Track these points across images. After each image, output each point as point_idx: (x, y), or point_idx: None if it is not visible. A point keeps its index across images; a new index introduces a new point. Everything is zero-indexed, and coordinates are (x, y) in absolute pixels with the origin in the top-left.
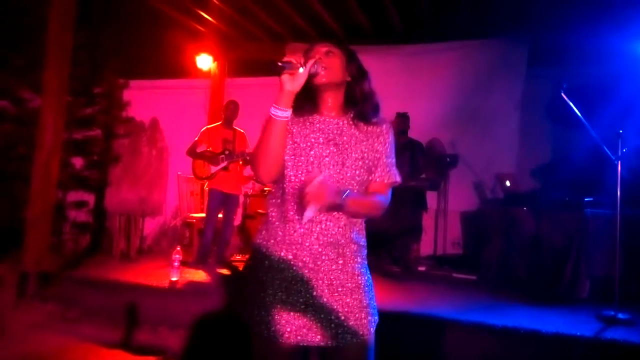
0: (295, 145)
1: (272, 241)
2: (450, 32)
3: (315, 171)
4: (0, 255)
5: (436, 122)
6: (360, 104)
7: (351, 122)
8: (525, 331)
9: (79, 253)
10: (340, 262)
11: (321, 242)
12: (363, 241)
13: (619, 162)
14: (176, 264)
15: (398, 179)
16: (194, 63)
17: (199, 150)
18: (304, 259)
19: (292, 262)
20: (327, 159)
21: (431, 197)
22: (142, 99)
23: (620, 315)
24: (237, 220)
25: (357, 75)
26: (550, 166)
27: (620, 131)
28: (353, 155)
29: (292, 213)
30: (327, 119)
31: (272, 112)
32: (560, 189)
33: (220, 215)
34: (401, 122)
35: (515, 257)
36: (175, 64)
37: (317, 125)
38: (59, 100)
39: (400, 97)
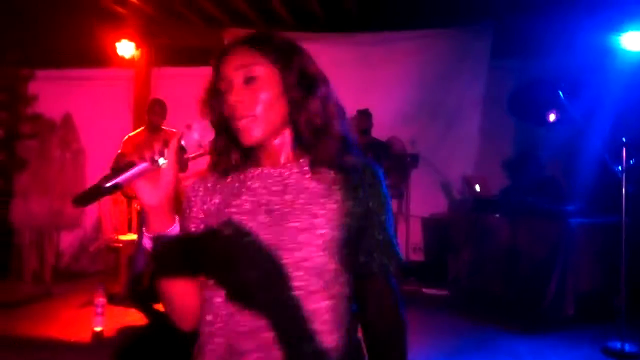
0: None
1: None
2: (410, 21)
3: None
4: None
5: (394, 119)
6: (314, 144)
7: (306, 170)
8: None
9: None
10: None
11: None
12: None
13: (624, 174)
14: (99, 309)
15: (401, 258)
16: (115, 50)
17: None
18: None
19: None
20: (248, 239)
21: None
22: (52, 92)
23: (627, 348)
24: None
25: (302, 95)
26: (517, 164)
27: (624, 139)
28: (292, 224)
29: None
30: (267, 171)
31: (144, 244)
32: (527, 192)
33: None
34: (363, 120)
35: (488, 270)
36: (91, 50)
37: (248, 182)
38: None
39: (355, 91)
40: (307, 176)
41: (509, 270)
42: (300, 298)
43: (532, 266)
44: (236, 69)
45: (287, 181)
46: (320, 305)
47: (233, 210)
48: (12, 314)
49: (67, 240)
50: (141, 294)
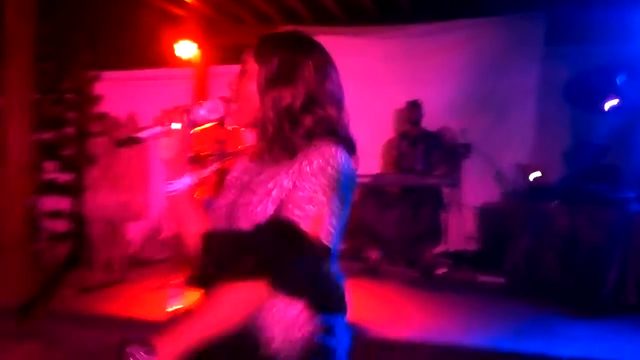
0: (211, 204)
1: None
2: (461, 10)
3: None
4: None
5: (445, 109)
6: (274, 135)
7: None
8: None
9: (57, 266)
10: None
11: None
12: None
13: None
14: (175, 290)
15: (305, 227)
16: (173, 51)
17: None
18: None
19: None
20: (223, 209)
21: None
22: (117, 92)
23: None
24: None
25: (262, 89)
26: (575, 152)
27: None
28: (241, 208)
29: None
30: (256, 161)
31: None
32: (586, 179)
33: None
34: (412, 112)
35: (545, 258)
36: (151, 52)
37: (242, 172)
38: (24, 101)
39: (406, 83)
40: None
41: (568, 258)
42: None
43: (591, 254)
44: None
45: (252, 165)
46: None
47: (228, 184)
48: (92, 297)
49: (134, 230)
50: (199, 277)
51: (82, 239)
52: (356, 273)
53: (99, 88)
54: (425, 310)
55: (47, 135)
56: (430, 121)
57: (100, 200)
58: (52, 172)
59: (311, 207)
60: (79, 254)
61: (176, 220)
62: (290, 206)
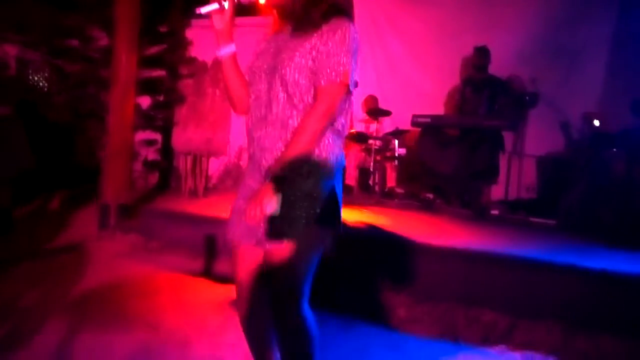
0: (250, 67)
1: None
2: None
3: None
4: (80, 190)
5: (515, 57)
6: (299, 16)
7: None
8: (623, 275)
9: (150, 189)
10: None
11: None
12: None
13: None
14: None
15: (341, 78)
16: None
17: None
18: (255, 175)
19: (250, 174)
20: (264, 67)
21: (506, 139)
22: (204, 38)
23: None
24: None
25: None
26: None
27: None
28: (286, 61)
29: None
30: (280, 34)
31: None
32: None
33: None
34: (480, 57)
35: (600, 202)
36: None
37: (271, 42)
38: (131, 36)
39: (477, 30)
40: (294, 34)
41: (623, 203)
42: (281, 102)
43: None
44: None
45: (286, 38)
46: (289, 111)
47: (258, 56)
48: (180, 203)
49: (214, 164)
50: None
51: (170, 168)
52: (412, 208)
53: (189, 34)
54: (471, 233)
55: (143, 74)
56: (500, 69)
57: (187, 136)
58: (147, 107)
59: (341, 66)
60: (166, 182)
61: (224, 80)
62: (326, 64)
